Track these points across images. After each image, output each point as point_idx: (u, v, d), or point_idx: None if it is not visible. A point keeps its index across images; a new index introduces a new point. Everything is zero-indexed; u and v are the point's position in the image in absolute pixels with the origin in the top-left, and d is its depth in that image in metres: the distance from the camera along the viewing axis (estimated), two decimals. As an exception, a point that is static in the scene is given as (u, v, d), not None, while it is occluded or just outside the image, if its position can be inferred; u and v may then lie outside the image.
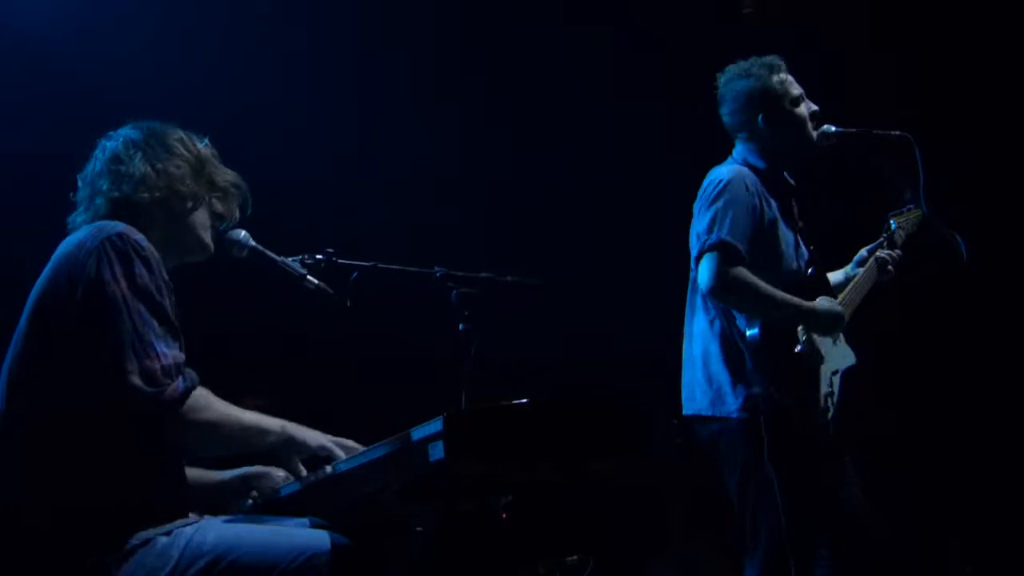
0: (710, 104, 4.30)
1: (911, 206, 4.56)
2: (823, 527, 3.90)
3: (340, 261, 3.38)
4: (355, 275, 3.39)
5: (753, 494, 3.88)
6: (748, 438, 3.87)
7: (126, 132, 3.05)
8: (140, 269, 2.72)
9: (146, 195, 2.93)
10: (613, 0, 6.20)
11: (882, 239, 4.55)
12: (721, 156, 4.29)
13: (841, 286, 4.37)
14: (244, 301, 4.98)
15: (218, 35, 5.46)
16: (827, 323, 4.06)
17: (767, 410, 3.85)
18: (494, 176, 6.01)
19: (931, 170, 4.07)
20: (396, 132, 5.88)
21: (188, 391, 2.67)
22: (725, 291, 3.92)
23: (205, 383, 2.76)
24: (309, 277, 3.27)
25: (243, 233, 3.21)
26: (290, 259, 3.29)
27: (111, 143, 3.03)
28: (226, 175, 3.13)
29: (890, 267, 4.48)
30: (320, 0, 5.77)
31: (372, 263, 3.45)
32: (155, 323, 2.69)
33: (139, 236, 2.78)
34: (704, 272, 3.92)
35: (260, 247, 3.24)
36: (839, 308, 4.13)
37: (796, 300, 3.99)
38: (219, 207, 3.11)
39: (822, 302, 4.08)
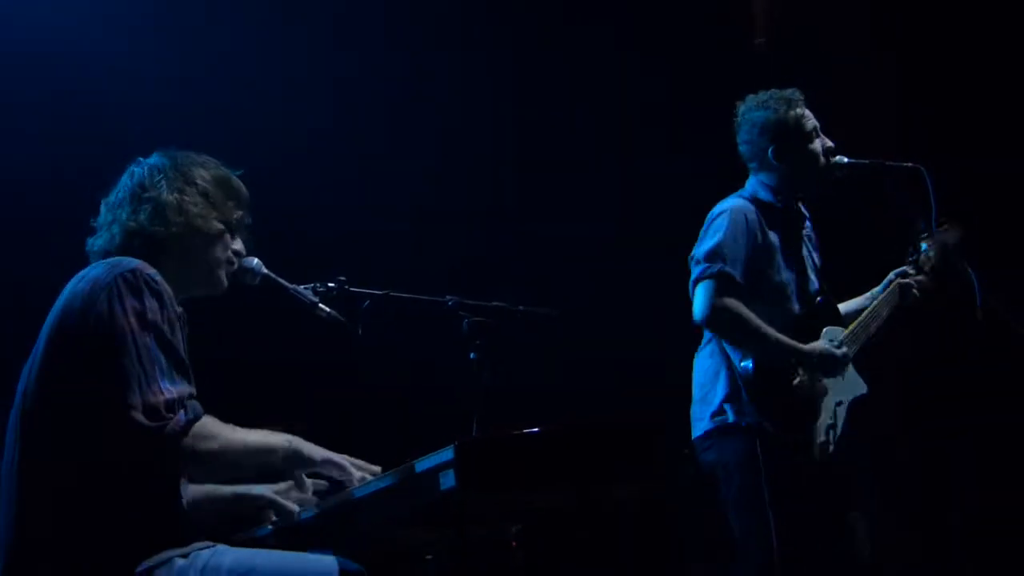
0: (723, 132, 4.32)
1: (945, 228, 4.40)
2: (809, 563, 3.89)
3: (352, 289, 3.38)
4: (367, 303, 3.39)
5: (748, 514, 3.90)
6: (747, 462, 3.89)
7: (153, 159, 3.07)
8: (151, 303, 2.74)
9: (161, 228, 2.95)
10: (628, 34, 6.23)
11: (910, 260, 4.44)
12: (734, 184, 4.30)
13: (856, 313, 4.33)
14: (255, 329, 4.98)
15: (221, 54, 5.46)
16: (824, 365, 4.03)
17: (762, 442, 3.86)
18: (506, 204, 6.02)
19: (943, 200, 4.06)
20: (408, 160, 5.88)
21: (191, 423, 2.68)
22: (717, 322, 3.95)
23: (216, 412, 2.77)
24: (321, 305, 3.27)
25: (255, 260, 3.22)
26: (302, 287, 3.30)
27: (138, 169, 3.05)
28: (239, 212, 3.13)
29: (915, 291, 4.38)
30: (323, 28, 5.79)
31: (384, 291, 3.45)
32: (162, 358, 2.70)
33: (152, 271, 2.80)
34: (698, 301, 3.96)
35: (272, 275, 3.25)
36: (837, 350, 4.07)
37: (789, 342, 3.98)
38: (236, 244, 3.12)
39: (821, 342, 4.05)
